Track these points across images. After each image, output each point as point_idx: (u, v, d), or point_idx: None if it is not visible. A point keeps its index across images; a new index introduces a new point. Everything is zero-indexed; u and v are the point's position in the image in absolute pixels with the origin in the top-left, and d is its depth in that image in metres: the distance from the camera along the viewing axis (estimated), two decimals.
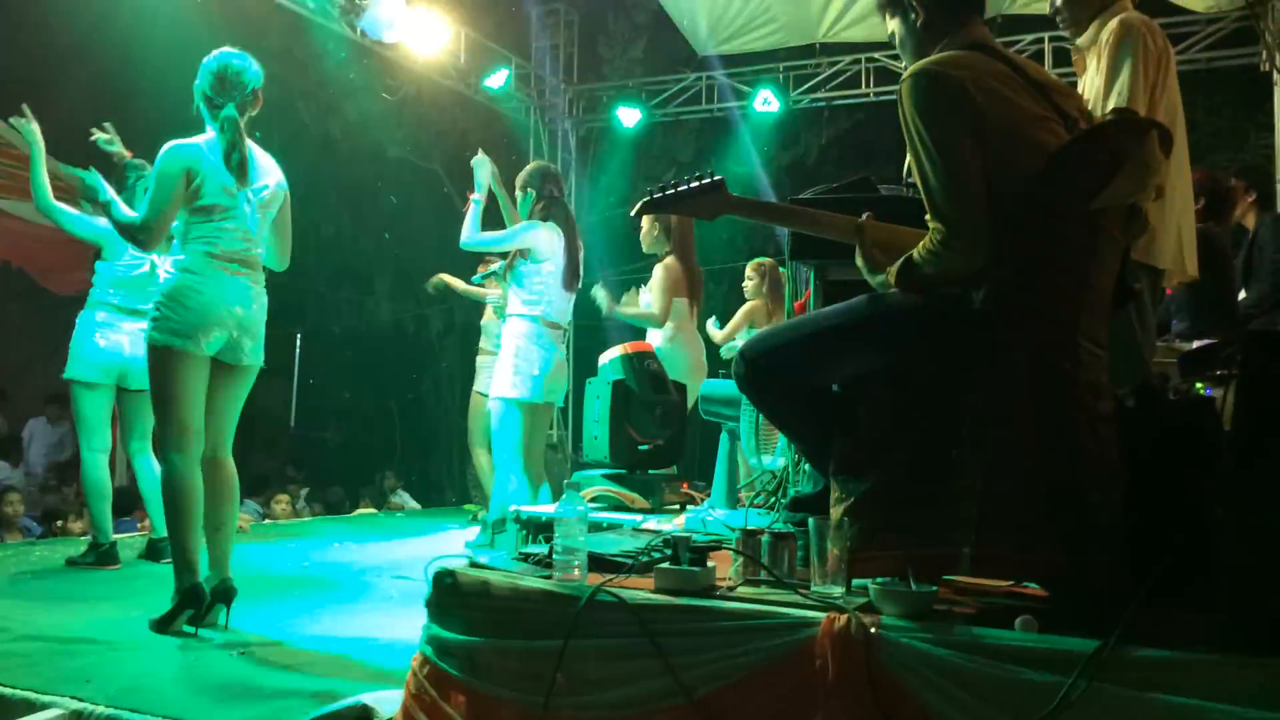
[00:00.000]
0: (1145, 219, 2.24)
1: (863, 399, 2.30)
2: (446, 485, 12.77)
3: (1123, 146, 2.15)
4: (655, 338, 5.62)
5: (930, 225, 2.22)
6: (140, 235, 3.61)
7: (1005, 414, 2.15)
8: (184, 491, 3.55)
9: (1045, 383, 2.14)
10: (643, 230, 5.74)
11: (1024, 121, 2.17)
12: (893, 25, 2.51)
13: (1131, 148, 2.14)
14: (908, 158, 2.32)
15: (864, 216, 2.42)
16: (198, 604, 3.51)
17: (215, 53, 3.74)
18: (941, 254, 2.19)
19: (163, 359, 3.54)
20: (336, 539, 6.32)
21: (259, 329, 3.73)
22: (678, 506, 4.25)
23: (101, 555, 4.91)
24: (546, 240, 4.96)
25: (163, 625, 3.50)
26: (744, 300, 7.02)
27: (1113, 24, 3.07)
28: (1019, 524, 2.12)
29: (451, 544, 6.32)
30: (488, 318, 7.19)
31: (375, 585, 4.73)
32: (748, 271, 6.92)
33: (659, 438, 4.57)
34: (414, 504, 10.24)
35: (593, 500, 4.06)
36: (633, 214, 2.59)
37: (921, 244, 2.24)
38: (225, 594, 3.60)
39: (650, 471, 4.39)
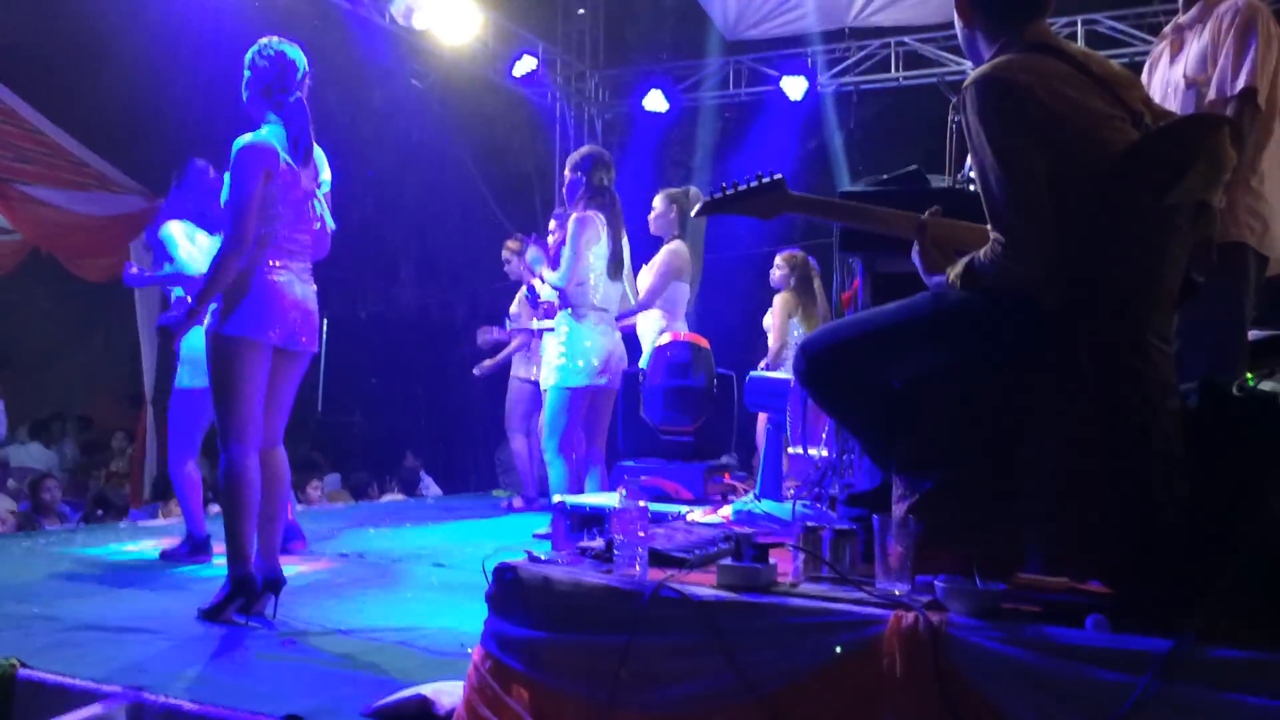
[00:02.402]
0: (1215, 214, 2.22)
1: (926, 396, 2.30)
2: (470, 470, 12.80)
3: (1195, 143, 2.13)
4: (648, 322, 5.60)
5: (991, 235, 2.22)
6: (236, 245, 3.53)
7: (1073, 412, 2.14)
8: (243, 482, 3.57)
9: (1114, 380, 2.13)
10: (655, 211, 5.70)
11: (1092, 122, 2.16)
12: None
13: (1204, 144, 2.12)
14: (970, 156, 2.31)
15: (928, 213, 2.41)
16: (250, 593, 3.54)
17: (265, 42, 3.70)
18: (1004, 264, 2.19)
19: (228, 350, 3.54)
20: (370, 526, 6.35)
21: (315, 316, 3.77)
22: (720, 497, 4.27)
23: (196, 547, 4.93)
24: (596, 230, 4.94)
25: (214, 614, 3.53)
26: (768, 289, 6.99)
27: (1236, 3, 3.09)
28: (1086, 522, 2.12)
29: (483, 530, 6.34)
30: (518, 305, 7.20)
31: (415, 573, 4.75)
32: (777, 261, 6.89)
33: (677, 427, 4.58)
34: (436, 489, 10.27)
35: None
36: (694, 214, 2.60)
37: (983, 252, 2.24)
38: (274, 583, 3.63)
39: (690, 461, 4.40)
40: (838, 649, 2.06)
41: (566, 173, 5.17)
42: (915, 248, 2.43)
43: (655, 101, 9.76)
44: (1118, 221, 2.11)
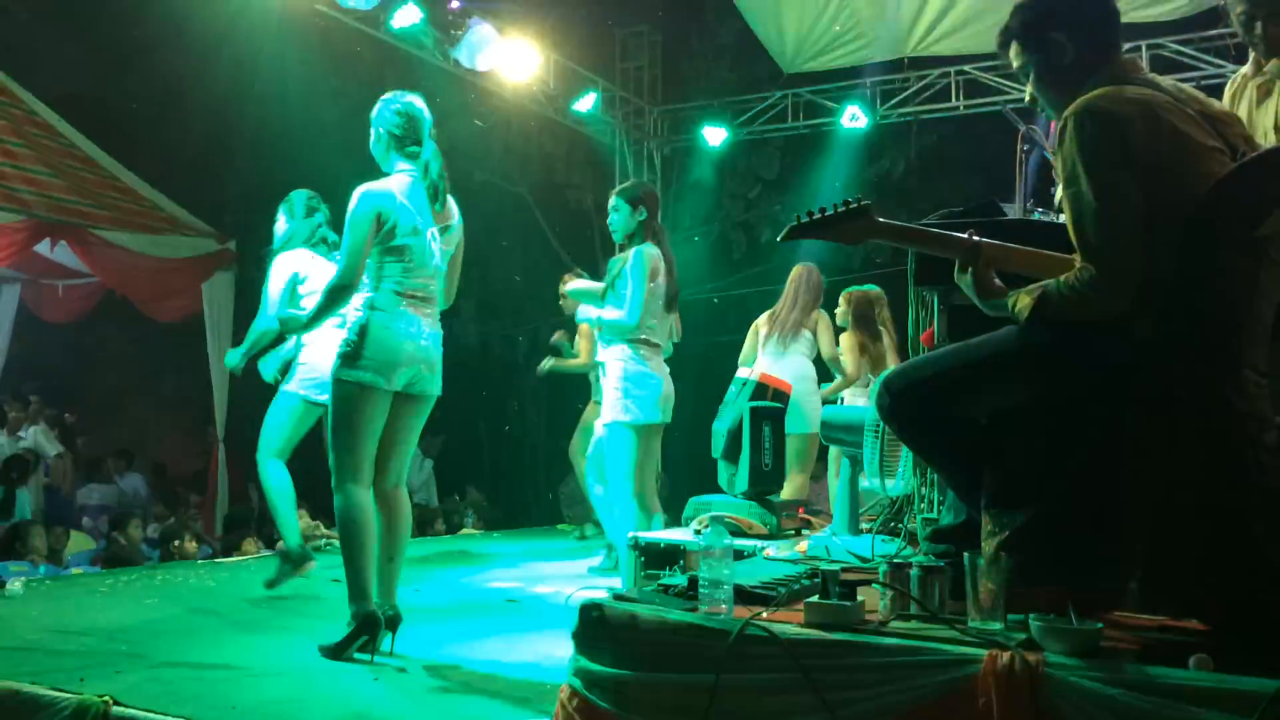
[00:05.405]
0: None
1: (1016, 431, 2.28)
2: (533, 504, 12.85)
3: None
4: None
5: (1078, 264, 2.20)
6: (346, 284, 3.65)
7: (1168, 447, 2.11)
8: (361, 523, 3.65)
9: (1209, 414, 2.10)
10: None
11: (1193, 154, 2.14)
12: (1025, 59, 2.45)
13: None
14: (1059, 187, 2.30)
15: (968, 234, 2.39)
16: (373, 631, 3.60)
17: (390, 97, 3.85)
18: (1087, 295, 2.17)
19: (352, 394, 3.62)
20: (437, 561, 6.39)
21: (439, 361, 3.84)
22: (793, 532, 4.24)
23: (297, 559, 4.91)
24: (656, 264, 4.89)
25: (337, 652, 3.58)
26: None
27: None
28: (1185, 559, 2.08)
29: (554, 568, 6.35)
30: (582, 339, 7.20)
31: (487, 608, 4.77)
32: (840, 300, 6.82)
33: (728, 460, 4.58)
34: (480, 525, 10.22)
35: (708, 524, 4.04)
36: (780, 239, 2.58)
37: (1063, 279, 2.21)
38: (394, 621, 3.69)
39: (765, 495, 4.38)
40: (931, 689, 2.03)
41: (612, 201, 5.01)
42: (968, 272, 2.39)
43: (713, 135, 9.82)
44: (1211, 253, 2.09)
